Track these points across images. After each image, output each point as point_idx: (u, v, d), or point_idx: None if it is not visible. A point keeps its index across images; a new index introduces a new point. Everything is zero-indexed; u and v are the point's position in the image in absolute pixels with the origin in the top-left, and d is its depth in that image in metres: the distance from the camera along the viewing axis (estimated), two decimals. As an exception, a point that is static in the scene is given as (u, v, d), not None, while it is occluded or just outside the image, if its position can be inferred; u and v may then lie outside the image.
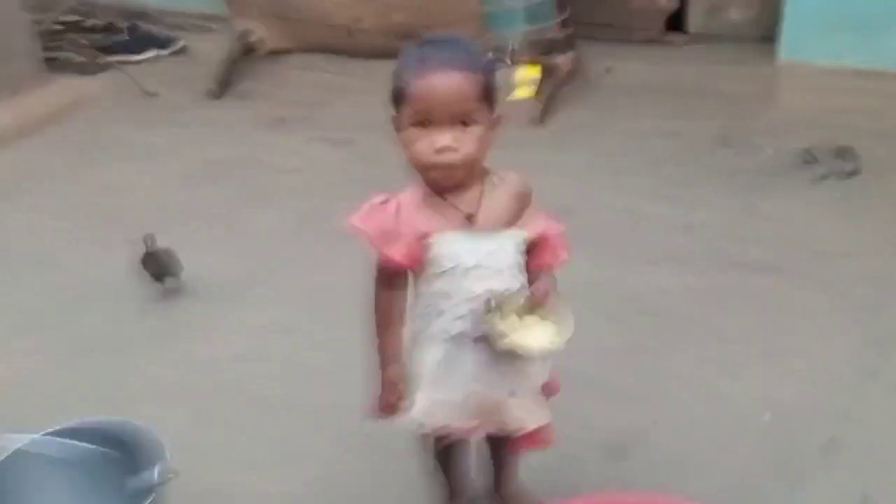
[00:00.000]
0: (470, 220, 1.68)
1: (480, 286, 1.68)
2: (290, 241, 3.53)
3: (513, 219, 1.72)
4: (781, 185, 3.56)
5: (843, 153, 3.70)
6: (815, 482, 2.17)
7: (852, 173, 3.57)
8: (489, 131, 1.64)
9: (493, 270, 1.69)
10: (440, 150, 1.59)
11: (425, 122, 1.59)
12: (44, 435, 1.90)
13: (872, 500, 2.10)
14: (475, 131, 1.60)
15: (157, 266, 3.14)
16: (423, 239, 1.66)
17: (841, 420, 2.36)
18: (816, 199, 3.44)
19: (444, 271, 1.68)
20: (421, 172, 1.66)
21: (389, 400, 1.80)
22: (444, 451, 2.00)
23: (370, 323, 1.79)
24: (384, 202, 1.68)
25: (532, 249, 1.75)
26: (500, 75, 1.77)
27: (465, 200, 1.68)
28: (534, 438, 1.87)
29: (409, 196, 1.69)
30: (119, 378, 2.78)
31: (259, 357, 2.83)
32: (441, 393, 1.77)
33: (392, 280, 1.76)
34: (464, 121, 1.59)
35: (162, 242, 3.15)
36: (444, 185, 1.67)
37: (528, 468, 2.14)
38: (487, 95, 1.62)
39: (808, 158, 3.70)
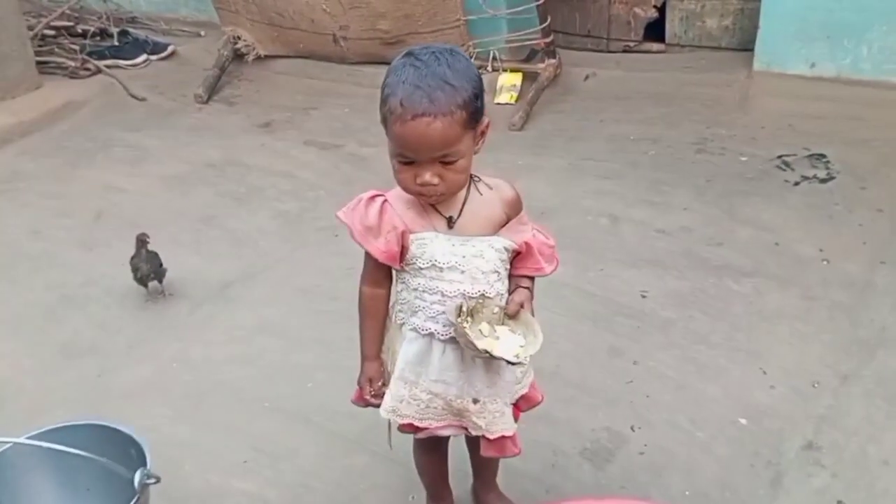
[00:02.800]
0: (450, 223, 1.71)
1: (454, 289, 1.71)
2: (278, 243, 3.57)
3: (497, 227, 1.75)
4: (758, 190, 3.61)
5: (817, 159, 3.77)
6: (793, 486, 2.20)
7: (826, 179, 3.63)
8: (472, 153, 1.65)
9: (469, 275, 1.72)
10: (423, 185, 1.61)
11: (407, 161, 1.61)
12: (30, 437, 1.91)
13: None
14: (458, 166, 1.62)
15: (144, 269, 3.16)
16: (402, 237, 1.70)
17: (818, 424, 2.39)
18: (792, 205, 3.48)
19: (420, 270, 1.72)
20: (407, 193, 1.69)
21: (365, 395, 1.86)
22: (422, 452, 2.05)
23: (358, 317, 1.85)
24: (371, 198, 1.72)
25: (516, 259, 1.79)
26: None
27: (449, 204, 1.71)
28: (496, 447, 1.88)
29: (396, 194, 1.72)
30: (105, 378, 2.82)
31: (246, 358, 2.86)
32: (407, 390, 1.81)
33: (376, 276, 1.80)
34: (445, 160, 1.60)
35: (151, 244, 3.18)
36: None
37: (509, 471, 2.18)
38: (472, 119, 1.61)
39: (784, 164, 3.77)
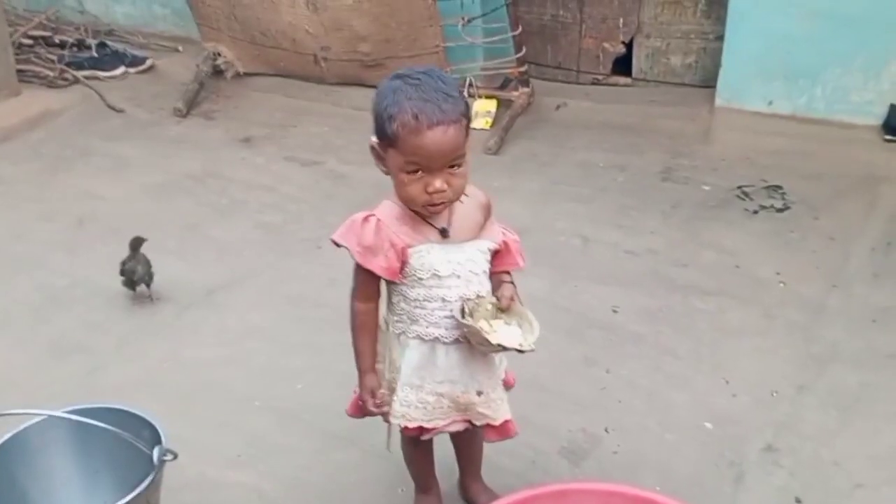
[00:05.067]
0: (443, 233, 1.84)
1: (453, 294, 1.85)
2: (262, 252, 3.66)
3: (479, 230, 1.90)
4: (719, 217, 3.79)
5: (774, 190, 3.97)
6: (754, 484, 2.36)
7: (783, 209, 3.82)
8: (467, 161, 1.78)
9: (465, 279, 1.86)
10: (434, 192, 1.73)
11: (416, 171, 1.72)
12: (63, 413, 1.99)
13: (805, 501, 2.30)
14: (462, 171, 1.75)
15: (140, 271, 3.24)
16: (402, 252, 1.82)
17: (777, 429, 2.55)
18: (751, 231, 3.66)
19: (421, 281, 1.84)
20: (411, 206, 1.80)
21: (369, 406, 1.94)
22: (413, 447, 2.16)
23: (350, 331, 1.93)
24: (365, 219, 1.82)
25: (494, 257, 1.94)
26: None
27: (438, 216, 1.84)
28: (500, 430, 2.02)
29: (387, 212, 1.84)
30: (95, 376, 2.89)
31: (235, 360, 2.95)
32: (415, 395, 1.92)
33: (368, 292, 1.90)
34: (453, 165, 1.73)
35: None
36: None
37: (493, 468, 2.32)
38: (468, 128, 1.76)
39: (743, 194, 3.96)
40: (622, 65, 5.17)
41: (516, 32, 4.58)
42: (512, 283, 1.95)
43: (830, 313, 3.11)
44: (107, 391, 2.72)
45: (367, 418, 2.05)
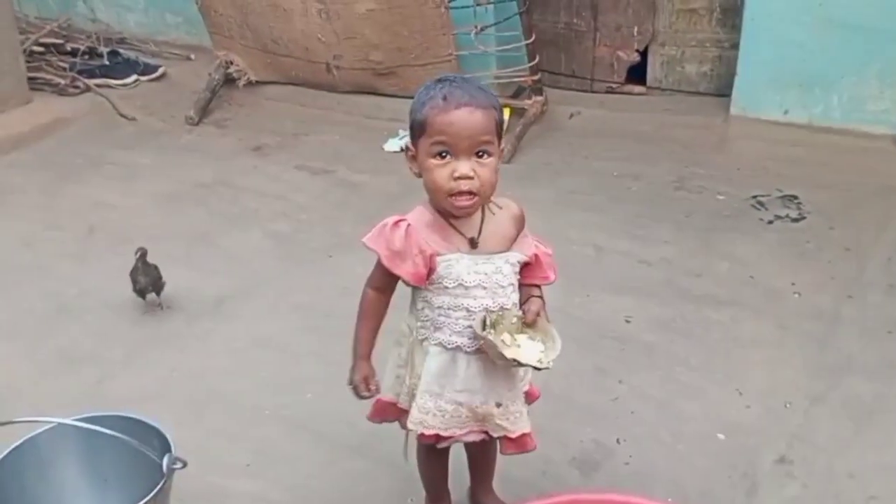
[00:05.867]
0: (473, 243, 1.84)
1: (478, 304, 1.84)
2: (271, 262, 3.65)
3: (510, 242, 1.89)
4: (733, 227, 3.76)
5: (789, 200, 3.94)
6: (767, 495, 2.34)
7: (798, 219, 3.79)
8: (499, 162, 1.80)
9: (491, 290, 1.84)
10: (459, 178, 1.73)
11: (445, 153, 1.74)
12: (72, 420, 1.99)
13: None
14: (490, 163, 1.76)
15: (143, 281, 3.23)
16: (430, 259, 1.81)
17: (790, 440, 2.53)
18: (766, 241, 3.63)
19: (446, 289, 1.84)
20: (439, 201, 1.80)
21: (360, 392, 1.94)
22: (427, 455, 2.15)
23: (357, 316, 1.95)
24: (396, 224, 1.82)
25: (524, 269, 1.93)
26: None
27: (469, 225, 1.84)
28: (518, 443, 2.00)
29: (418, 218, 1.84)
30: (104, 385, 2.88)
31: (244, 369, 2.94)
32: (434, 402, 1.91)
33: (383, 284, 1.91)
34: (480, 153, 1.74)
35: (148, 257, 3.25)
36: (457, 216, 1.82)
37: (503, 478, 2.29)
38: (499, 130, 1.78)
39: (758, 204, 3.93)
40: (636, 73, 5.15)
41: (530, 41, 4.56)
42: (541, 297, 1.94)
43: (845, 324, 3.08)
44: (116, 400, 2.71)
45: (383, 426, 2.05)
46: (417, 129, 1.78)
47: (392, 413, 2.04)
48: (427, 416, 1.91)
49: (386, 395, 2.01)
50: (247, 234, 3.89)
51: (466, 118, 1.72)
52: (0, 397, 2.80)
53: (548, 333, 1.86)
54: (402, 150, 1.74)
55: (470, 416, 1.94)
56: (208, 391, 2.83)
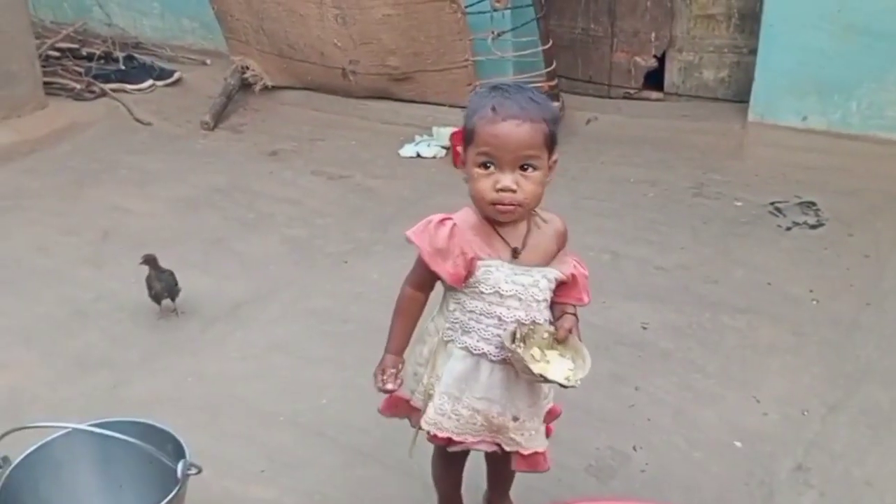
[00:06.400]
0: (515, 253, 1.81)
1: (511, 315, 1.82)
2: (288, 267, 3.65)
3: (550, 258, 1.86)
4: (751, 233, 3.74)
5: (807, 207, 3.92)
6: (784, 503, 2.32)
7: (816, 225, 3.77)
8: (546, 175, 1.77)
9: (525, 302, 1.82)
10: (501, 190, 1.72)
11: (490, 164, 1.73)
12: (87, 426, 2.00)
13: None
14: (535, 177, 1.74)
15: (158, 287, 3.24)
16: (470, 262, 1.79)
17: (807, 448, 2.51)
18: (784, 248, 3.61)
19: (482, 294, 1.82)
20: (482, 208, 1.79)
21: (377, 383, 1.91)
22: (442, 462, 2.13)
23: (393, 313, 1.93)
24: (441, 222, 1.81)
25: (559, 287, 1.90)
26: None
27: (513, 234, 1.82)
28: (529, 462, 1.98)
29: (464, 219, 1.82)
30: (120, 389, 2.88)
31: (259, 374, 2.94)
32: (451, 405, 1.89)
33: (421, 281, 1.90)
34: (525, 166, 1.72)
35: (161, 264, 3.25)
36: (500, 222, 1.80)
37: (518, 484, 2.26)
38: (549, 142, 1.75)
39: (776, 210, 3.91)
40: (654, 79, 5.14)
41: (546, 46, 4.56)
42: (575, 315, 1.92)
43: (863, 331, 3.06)
44: (131, 405, 2.72)
45: (390, 432, 2.02)
46: (467, 137, 1.78)
47: (404, 409, 2.02)
48: (443, 417, 1.90)
49: (400, 390, 1.98)
50: (262, 239, 3.89)
51: (513, 131, 1.70)
52: (16, 401, 2.81)
53: (578, 352, 1.84)
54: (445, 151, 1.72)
55: (485, 426, 1.92)
56: (223, 396, 2.83)
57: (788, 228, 3.78)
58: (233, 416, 2.73)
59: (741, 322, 3.13)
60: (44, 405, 2.77)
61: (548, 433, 2.03)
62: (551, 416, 2.04)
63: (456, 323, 1.88)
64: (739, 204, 4.02)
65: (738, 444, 2.54)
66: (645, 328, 3.11)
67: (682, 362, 2.92)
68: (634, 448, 2.53)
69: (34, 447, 2.07)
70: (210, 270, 3.61)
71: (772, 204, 3.97)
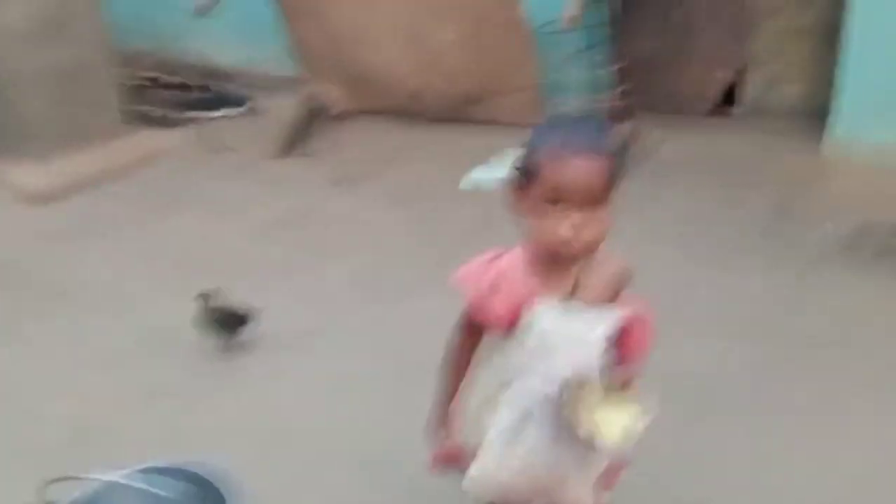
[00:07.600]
0: (569, 295, 1.72)
1: (558, 368, 1.71)
2: (354, 296, 3.62)
3: (608, 302, 1.74)
4: (837, 260, 3.60)
5: (896, 233, 3.75)
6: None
7: (907, 253, 3.61)
8: (611, 212, 1.68)
9: (574, 353, 1.71)
10: (567, 229, 1.63)
11: (556, 200, 1.63)
12: (133, 472, 1.98)
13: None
14: (601, 215, 1.65)
15: (220, 321, 3.26)
16: (519, 307, 1.70)
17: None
18: (873, 276, 3.47)
19: (527, 347, 1.71)
20: (546, 247, 1.69)
21: (433, 446, 1.89)
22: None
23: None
24: (492, 260, 1.75)
25: (619, 334, 1.77)
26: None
27: (568, 276, 1.72)
28: None
29: (517, 258, 1.75)
30: (183, 422, 2.88)
31: (319, 409, 2.91)
32: (496, 463, 1.79)
33: (471, 328, 1.83)
34: (593, 203, 1.63)
35: (232, 293, 3.26)
36: (558, 261, 1.71)
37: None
38: (615, 177, 1.66)
39: (863, 235, 3.75)
40: (730, 97, 4.99)
41: (619, 66, 4.46)
42: (633, 362, 1.81)
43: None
44: (193, 438, 2.74)
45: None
46: (530, 172, 1.68)
47: (456, 461, 1.93)
48: (486, 477, 1.81)
49: (450, 443, 1.92)
50: (329, 269, 3.87)
51: (583, 168, 1.62)
52: (82, 429, 2.84)
53: (635, 404, 1.71)
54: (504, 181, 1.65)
55: (529, 486, 1.82)
56: (284, 431, 2.81)
57: (878, 255, 3.62)
58: (292, 453, 2.70)
59: (828, 356, 3.01)
60: (108, 435, 2.80)
61: (610, 486, 1.92)
62: (613, 471, 1.91)
63: (500, 374, 1.78)
64: (822, 229, 3.87)
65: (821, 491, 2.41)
66: (720, 363, 3.00)
67: (761, 401, 2.81)
68: (710, 496, 2.42)
69: (77, 494, 2.04)
70: (277, 301, 3.56)
71: (858, 230, 3.81)
